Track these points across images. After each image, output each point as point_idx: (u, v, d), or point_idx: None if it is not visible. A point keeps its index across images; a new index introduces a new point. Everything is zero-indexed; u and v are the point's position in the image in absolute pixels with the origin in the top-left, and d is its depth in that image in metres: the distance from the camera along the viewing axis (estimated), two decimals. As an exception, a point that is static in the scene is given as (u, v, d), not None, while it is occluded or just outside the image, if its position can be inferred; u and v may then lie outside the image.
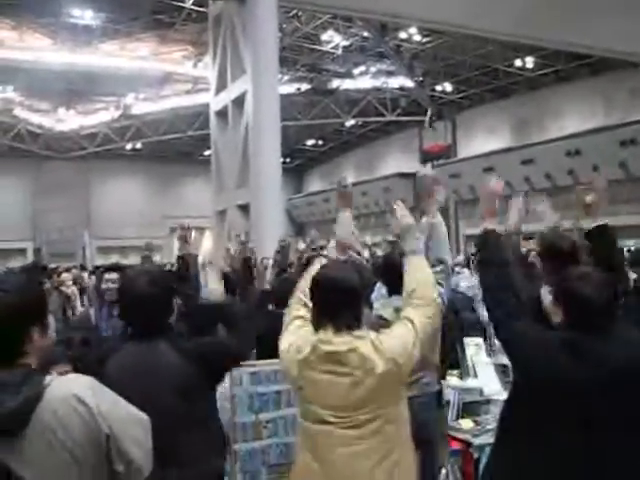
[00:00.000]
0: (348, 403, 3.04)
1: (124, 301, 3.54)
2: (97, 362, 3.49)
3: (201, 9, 28.64)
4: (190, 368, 3.40)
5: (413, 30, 31.28)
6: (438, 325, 3.39)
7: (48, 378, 2.25)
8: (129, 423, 2.40)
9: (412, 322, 3.12)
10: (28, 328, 2.29)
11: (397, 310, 4.39)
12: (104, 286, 6.59)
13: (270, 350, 4.33)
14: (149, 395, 3.13)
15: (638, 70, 29.65)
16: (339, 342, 3.07)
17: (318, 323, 3.15)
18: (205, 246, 4.99)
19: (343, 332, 3.09)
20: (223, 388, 4.16)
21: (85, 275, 13.30)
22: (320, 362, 3.10)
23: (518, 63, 33.70)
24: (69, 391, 2.22)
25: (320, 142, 50.69)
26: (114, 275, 6.58)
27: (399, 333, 3.11)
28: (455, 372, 5.51)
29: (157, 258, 45.33)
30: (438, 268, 4.39)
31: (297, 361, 3.16)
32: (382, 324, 3.56)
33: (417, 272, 3.34)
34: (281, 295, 5.39)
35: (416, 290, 3.23)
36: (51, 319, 2.43)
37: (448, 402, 5.06)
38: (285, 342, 3.36)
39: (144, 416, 2.51)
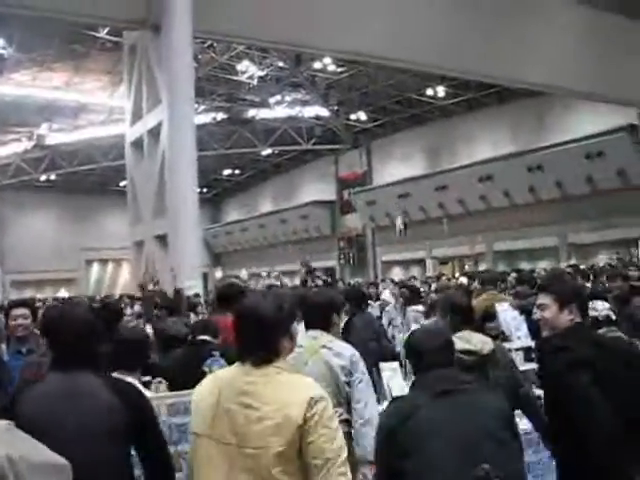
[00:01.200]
0: (248, 438, 2.99)
1: (53, 330, 3.48)
2: (10, 400, 3.32)
3: (116, 39, 28.49)
4: (123, 409, 3.31)
5: (327, 60, 31.66)
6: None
7: None
8: (44, 472, 2.32)
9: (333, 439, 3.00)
10: None
11: (314, 338, 4.53)
12: (13, 322, 6.31)
13: (188, 381, 4.39)
14: (74, 435, 3.09)
15: (544, 98, 30.56)
16: (257, 375, 3.06)
17: (239, 354, 3.18)
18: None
19: (261, 364, 3.07)
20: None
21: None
22: (233, 395, 3.07)
23: (430, 92, 34.39)
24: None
25: (237, 171, 50.71)
26: (23, 310, 6.42)
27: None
28: None
29: (72, 291, 44.75)
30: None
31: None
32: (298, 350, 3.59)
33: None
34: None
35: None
36: None
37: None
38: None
39: (64, 463, 2.43)
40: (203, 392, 3.24)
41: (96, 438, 3.18)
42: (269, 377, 3.05)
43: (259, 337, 3.10)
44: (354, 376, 4.48)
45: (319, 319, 4.57)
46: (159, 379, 4.61)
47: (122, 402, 3.29)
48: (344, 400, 4.48)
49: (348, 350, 4.59)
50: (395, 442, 3.33)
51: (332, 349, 4.50)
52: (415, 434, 3.29)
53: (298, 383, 3.10)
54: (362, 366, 4.60)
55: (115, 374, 4.50)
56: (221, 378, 3.21)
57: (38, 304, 20.10)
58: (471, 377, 3.58)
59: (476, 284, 11.46)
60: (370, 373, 5.51)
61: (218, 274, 17.77)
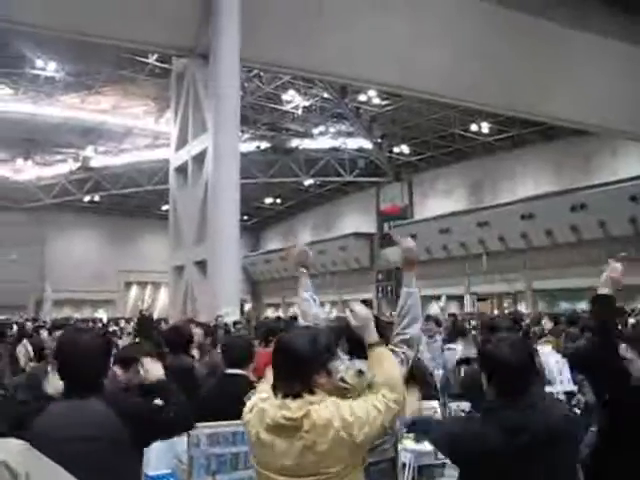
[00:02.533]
0: (300, 468, 3.03)
1: (60, 358, 3.47)
2: (16, 422, 3.32)
3: (164, 65, 28.88)
4: (125, 426, 3.32)
5: (372, 93, 31.79)
6: (402, 407, 3.36)
7: None
8: None
9: (379, 410, 3.13)
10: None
11: (360, 372, 4.46)
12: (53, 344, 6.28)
13: (224, 412, 4.37)
14: (81, 456, 3.08)
15: (589, 138, 30.37)
16: (294, 407, 3.06)
17: (274, 387, 3.21)
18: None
19: (295, 398, 3.08)
20: (180, 448, 4.20)
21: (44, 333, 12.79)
22: (272, 426, 3.09)
23: (474, 128, 34.34)
24: None
25: (278, 201, 50.88)
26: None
27: (364, 410, 3.13)
28: (411, 435, 5.53)
29: (110, 312, 45.11)
30: (408, 335, 4.40)
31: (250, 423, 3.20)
32: (344, 387, 3.54)
33: (383, 363, 3.34)
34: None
35: (384, 381, 3.24)
36: None
37: (404, 465, 5.08)
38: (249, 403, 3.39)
39: None
40: (249, 425, 3.25)
41: (103, 460, 3.21)
42: (304, 410, 3.04)
43: (293, 371, 3.13)
44: None
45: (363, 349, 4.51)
46: None
47: (121, 415, 3.30)
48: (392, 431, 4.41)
49: None
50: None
51: None
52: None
53: (335, 407, 3.09)
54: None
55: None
56: (261, 410, 3.20)
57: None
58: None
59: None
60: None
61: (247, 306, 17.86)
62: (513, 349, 3.31)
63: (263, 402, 3.22)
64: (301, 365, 3.14)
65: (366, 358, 3.59)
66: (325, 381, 3.20)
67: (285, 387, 3.12)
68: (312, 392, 3.09)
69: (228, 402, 4.39)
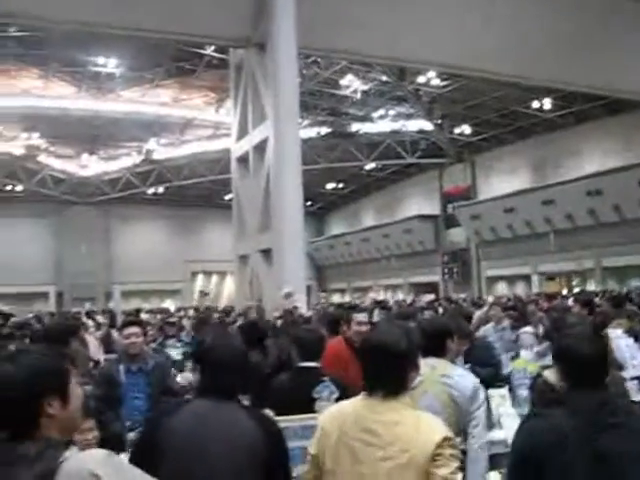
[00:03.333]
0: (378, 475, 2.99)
1: (207, 359, 3.46)
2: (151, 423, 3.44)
3: (222, 56, 29.05)
4: (269, 443, 3.28)
5: (431, 74, 31.47)
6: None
7: (66, 453, 2.16)
8: None
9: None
10: (40, 402, 2.24)
11: (433, 368, 4.43)
12: (126, 341, 6.52)
13: (298, 405, 4.38)
14: (219, 462, 3.14)
15: (657, 110, 29.73)
16: (383, 411, 3.05)
17: (368, 387, 3.17)
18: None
19: (390, 399, 3.07)
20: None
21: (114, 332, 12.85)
22: (356, 431, 3.06)
23: (536, 105, 33.79)
24: (84, 466, 2.11)
25: (340, 185, 50.87)
26: (135, 329, 6.54)
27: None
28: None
29: (177, 302, 45.72)
30: None
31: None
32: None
33: None
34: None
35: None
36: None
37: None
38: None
39: None
40: (327, 428, 3.22)
41: (239, 468, 3.20)
42: (395, 414, 3.04)
43: (391, 371, 3.11)
44: (475, 405, 4.39)
45: (434, 346, 4.50)
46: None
47: (266, 436, 3.27)
48: (462, 429, 4.39)
49: (469, 379, 4.49)
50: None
51: (452, 378, 4.41)
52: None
53: (424, 423, 3.06)
54: (482, 394, 4.51)
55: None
56: (345, 413, 3.19)
57: (145, 315, 20.71)
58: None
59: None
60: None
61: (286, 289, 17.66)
62: (589, 343, 3.19)
63: (347, 406, 3.22)
64: (401, 364, 3.14)
65: (436, 355, 3.58)
66: (416, 376, 3.22)
67: (383, 386, 3.10)
68: (406, 390, 3.10)
69: (302, 396, 4.41)
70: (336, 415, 3.23)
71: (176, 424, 3.21)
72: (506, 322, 10.67)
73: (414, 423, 3.03)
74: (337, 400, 4.10)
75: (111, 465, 2.19)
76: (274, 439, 3.33)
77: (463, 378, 4.47)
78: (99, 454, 2.24)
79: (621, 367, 6.37)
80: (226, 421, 3.26)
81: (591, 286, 31.93)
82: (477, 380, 4.54)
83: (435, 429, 3.04)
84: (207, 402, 3.29)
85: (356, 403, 3.17)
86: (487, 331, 10.66)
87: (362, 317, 6.28)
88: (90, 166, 43.43)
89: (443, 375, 4.40)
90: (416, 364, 3.22)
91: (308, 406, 4.28)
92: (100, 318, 18.75)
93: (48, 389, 2.28)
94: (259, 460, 3.20)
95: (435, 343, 4.50)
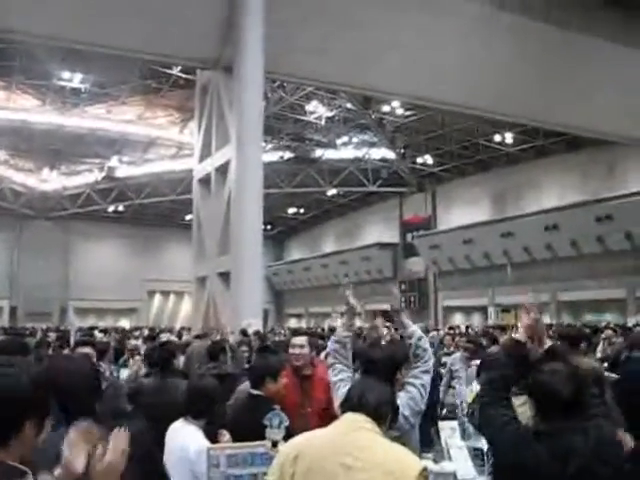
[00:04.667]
0: None
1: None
2: None
3: (188, 76, 29.07)
4: None
5: (396, 104, 31.77)
6: None
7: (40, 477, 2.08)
8: None
9: None
10: (19, 421, 2.11)
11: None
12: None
13: (247, 433, 4.37)
14: None
15: (613, 147, 30.18)
16: (360, 437, 3.05)
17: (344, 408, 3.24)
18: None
19: (367, 424, 3.08)
20: (200, 469, 4.22)
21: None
22: (339, 454, 3.04)
23: (498, 138, 34.26)
24: None
25: (302, 210, 50.96)
26: (87, 349, 6.46)
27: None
28: (430, 455, 5.51)
29: (133, 321, 45.30)
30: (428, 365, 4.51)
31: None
32: None
33: None
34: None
35: None
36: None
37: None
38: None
39: None
40: (293, 454, 3.16)
41: None
42: (372, 441, 3.04)
43: (371, 396, 3.18)
44: None
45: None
46: (224, 431, 4.62)
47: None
48: None
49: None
50: None
51: None
52: None
53: (402, 452, 3.08)
54: None
55: (181, 420, 4.56)
56: (318, 439, 3.18)
57: (99, 334, 20.48)
58: None
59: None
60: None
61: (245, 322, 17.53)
62: (561, 379, 3.30)
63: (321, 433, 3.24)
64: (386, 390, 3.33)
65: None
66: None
67: (362, 411, 3.14)
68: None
69: (255, 422, 4.40)
70: (307, 442, 3.20)
71: None
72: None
73: (392, 450, 3.05)
74: (286, 429, 4.09)
75: None
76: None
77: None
78: None
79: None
80: None
81: (546, 319, 32.21)
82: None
83: (413, 457, 3.09)
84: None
85: (331, 430, 3.16)
86: (455, 360, 10.75)
87: (299, 340, 6.27)
88: (51, 181, 43.04)
89: None
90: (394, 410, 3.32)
91: (259, 434, 4.27)
92: (53, 336, 18.48)
93: (30, 409, 2.18)
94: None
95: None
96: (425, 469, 3.01)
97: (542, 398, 3.34)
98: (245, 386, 5.68)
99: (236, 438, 4.46)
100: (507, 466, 3.40)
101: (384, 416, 3.17)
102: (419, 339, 4.61)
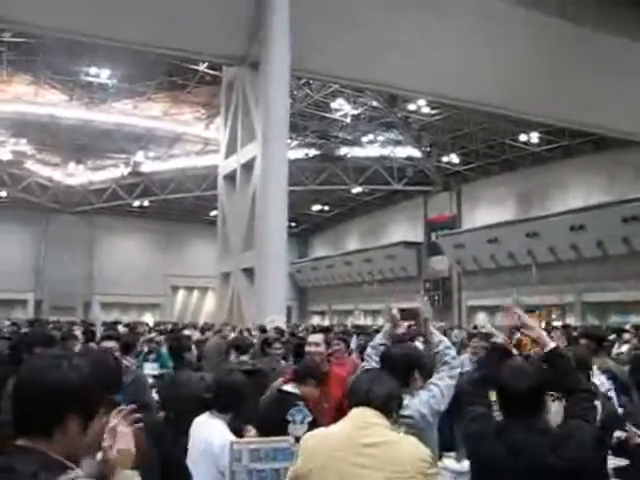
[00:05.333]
0: None
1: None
2: None
3: (215, 73, 29.16)
4: None
5: (422, 102, 31.68)
6: None
7: (61, 477, 2.01)
8: None
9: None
10: (63, 414, 2.09)
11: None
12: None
13: (273, 428, 4.40)
14: None
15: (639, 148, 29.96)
16: (371, 433, 3.09)
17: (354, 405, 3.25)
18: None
19: (376, 419, 3.13)
20: (223, 463, 4.23)
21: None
22: (350, 454, 3.08)
23: (523, 138, 34.07)
24: None
25: (326, 208, 50.92)
26: (111, 343, 6.54)
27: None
28: (451, 454, 5.52)
29: (157, 316, 45.52)
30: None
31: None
32: None
33: None
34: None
35: None
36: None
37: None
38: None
39: None
40: (310, 451, 3.22)
41: None
42: (384, 436, 3.09)
43: (378, 390, 3.22)
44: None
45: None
46: (249, 426, 4.66)
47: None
48: None
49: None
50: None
51: None
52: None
53: (411, 444, 3.14)
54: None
55: (207, 414, 4.59)
56: (332, 437, 3.20)
57: (123, 328, 20.58)
58: None
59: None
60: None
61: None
62: (522, 375, 3.37)
63: (334, 431, 3.27)
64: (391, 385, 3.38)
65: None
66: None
67: (370, 406, 3.20)
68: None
69: (279, 418, 4.43)
70: (322, 439, 3.24)
71: None
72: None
73: (402, 444, 3.09)
74: (310, 425, 4.11)
75: None
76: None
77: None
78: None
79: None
80: None
81: (570, 320, 32.01)
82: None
83: (421, 450, 3.12)
84: None
85: (342, 426, 3.19)
86: (463, 361, 10.70)
87: (315, 338, 6.30)
88: (77, 175, 43.37)
89: None
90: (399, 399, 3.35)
91: (283, 429, 4.29)
92: (78, 329, 18.59)
93: (73, 404, 2.14)
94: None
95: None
96: (432, 457, 3.11)
97: (501, 393, 3.44)
98: (279, 383, 5.72)
99: (263, 433, 4.49)
100: (471, 459, 3.48)
101: (392, 409, 3.21)
102: (447, 348, 4.66)
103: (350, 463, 3.03)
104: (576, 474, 3.18)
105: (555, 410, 3.64)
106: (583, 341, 8.68)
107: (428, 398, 4.35)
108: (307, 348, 6.10)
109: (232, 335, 13.38)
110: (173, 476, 3.63)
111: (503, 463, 3.22)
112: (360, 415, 3.13)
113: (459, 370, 4.75)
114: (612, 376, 7.16)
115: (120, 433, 2.37)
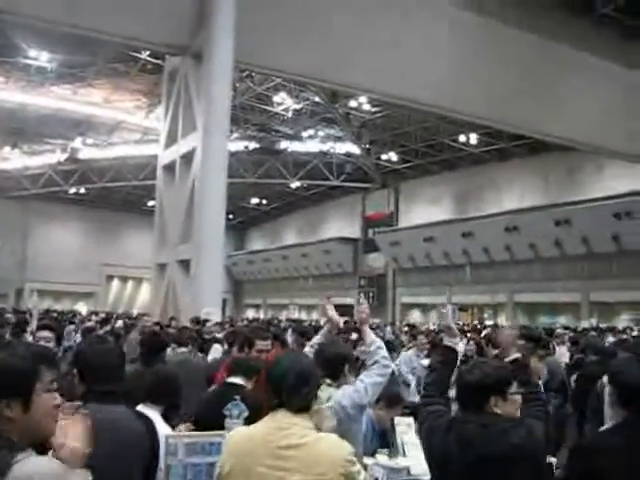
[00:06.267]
0: None
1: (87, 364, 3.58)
2: None
3: (157, 61, 28.88)
4: (150, 439, 3.55)
5: (363, 99, 31.85)
6: None
7: (19, 455, 2.13)
8: None
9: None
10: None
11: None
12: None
13: (210, 422, 4.41)
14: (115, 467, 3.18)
15: (575, 153, 30.55)
16: (290, 434, 3.08)
17: (272, 408, 3.21)
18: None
19: (296, 419, 3.12)
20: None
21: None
22: (266, 456, 3.08)
23: (462, 139, 34.44)
24: (28, 473, 2.10)
25: (264, 201, 50.89)
26: (46, 334, 6.47)
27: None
28: (385, 450, 5.58)
29: (90, 305, 44.97)
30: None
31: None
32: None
33: None
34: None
35: None
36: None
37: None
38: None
39: None
40: (233, 450, 3.24)
41: (127, 464, 3.38)
42: (303, 437, 3.08)
43: (299, 391, 3.19)
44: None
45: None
46: (187, 424, 4.68)
47: (148, 431, 3.54)
48: None
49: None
50: None
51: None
52: None
53: (330, 444, 3.13)
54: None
55: (141, 405, 4.59)
56: (253, 436, 3.20)
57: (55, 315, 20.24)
58: None
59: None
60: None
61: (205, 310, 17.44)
62: (476, 369, 3.49)
63: (255, 430, 3.27)
64: (310, 383, 3.30)
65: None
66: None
67: (291, 407, 3.19)
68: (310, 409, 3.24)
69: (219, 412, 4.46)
70: (243, 439, 3.23)
71: None
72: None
73: (321, 445, 3.08)
74: (246, 420, 4.13)
75: (60, 476, 2.19)
76: (154, 435, 3.65)
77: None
78: (51, 464, 2.23)
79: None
80: (110, 421, 3.35)
81: (502, 320, 32.55)
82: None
83: (342, 449, 3.12)
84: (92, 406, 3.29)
85: (263, 426, 3.19)
86: (410, 357, 10.90)
87: (264, 345, 6.38)
88: (11, 159, 42.51)
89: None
90: (318, 386, 3.39)
91: (220, 424, 4.31)
92: (11, 317, 18.21)
93: (5, 390, 2.25)
94: (143, 455, 3.47)
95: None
96: (351, 454, 3.10)
97: (457, 388, 3.56)
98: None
99: (200, 427, 4.51)
100: (425, 455, 3.58)
101: (311, 403, 3.22)
102: (378, 348, 4.83)
103: (267, 465, 3.05)
104: (528, 461, 3.26)
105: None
106: (521, 342, 8.94)
107: (351, 392, 4.58)
108: (256, 354, 6.19)
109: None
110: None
111: (454, 455, 3.29)
112: (281, 416, 3.14)
113: (390, 369, 4.95)
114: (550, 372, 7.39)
115: (67, 428, 2.39)
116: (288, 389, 3.18)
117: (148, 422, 3.66)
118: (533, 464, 3.30)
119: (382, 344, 4.92)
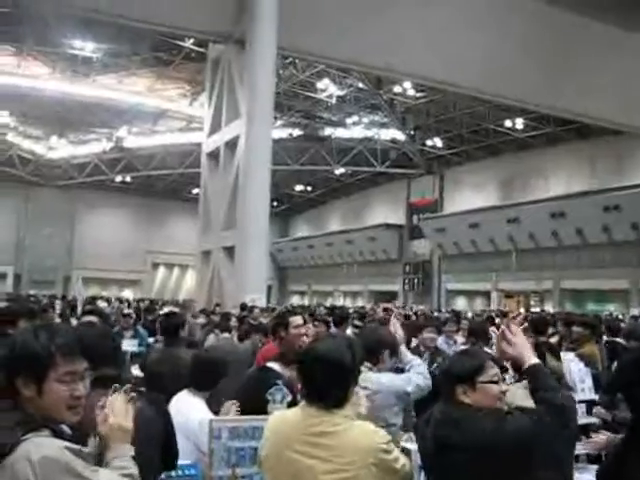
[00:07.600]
0: None
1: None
2: None
3: (200, 49, 28.96)
4: (164, 421, 3.49)
5: (407, 85, 31.65)
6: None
7: (30, 434, 2.18)
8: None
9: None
10: (12, 379, 2.30)
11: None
12: None
13: (250, 406, 4.40)
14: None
15: (624, 137, 30.06)
16: (323, 424, 2.99)
17: (305, 399, 3.10)
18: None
19: (330, 411, 2.99)
20: (202, 440, 4.23)
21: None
22: (298, 442, 3.01)
23: (508, 124, 34.08)
24: (27, 453, 2.14)
25: (309, 188, 50.92)
26: (92, 318, 6.50)
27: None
28: (410, 433, 5.50)
29: (137, 292, 45.42)
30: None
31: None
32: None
33: None
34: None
35: None
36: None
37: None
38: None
39: None
40: (270, 435, 3.21)
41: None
42: (335, 426, 2.99)
43: (333, 384, 3.04)
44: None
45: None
46: (233, 401, 4.64)
47: (157, 413, 3.45)
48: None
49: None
50: None
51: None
52: None
53: (362, 433, 3.02)
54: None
55: (185, 391, 4.59)
56: (287, 422, 3.15)
57: (103, 303, 20.49)
58: None
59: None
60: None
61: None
62: (446, 361, 3.63)
63: (289, 416, 3.25)
64: (344, 376, 3.18)
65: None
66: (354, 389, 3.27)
67: (325, 399, 3.08)
68: (347, 402, 3.10)
69: (260, 395, 4.45)
70: (279, 423, 3.20)
71: None
72: (460, 338, 10.67)
73: (353, 433, 2.99)
74: (289, 404, 4.12)
75: (60, 460, 2.19)
76: (167, 416, 3.62)
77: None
78: (55, 447, 2.22)
79: (570, 390, 6.44)
80: None
81: (549, 307, 32.21)
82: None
83: (375, 437, 3.02)
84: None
85: (297, 414, 3.12)
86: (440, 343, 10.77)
87: (299, 320, 6.32)
88: (58, 149, 43.03)
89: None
90: (357, 377, 3.18)
91: (262, 408, 4.29)
92: (59, 304, 18.46)
93: (22, 370, 2.32)
94: (156, 436, 3.36)
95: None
96: (387, 443, 3.00)
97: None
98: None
99: (243, 410, 4.49)
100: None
101: (341, 394, 3.05)
102: (418, 365, 4.98)
103: (298, 451, 2.99)
104: (482, 454, 3.12)
105: (521, 393, 3.59)
106: (578, 329, 8.82)
107: (394, 376, 4.75)
108: (294, 331, 6.12)
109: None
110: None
111: (428, 450, 3.25)
112: (315, 406, 3.03)
113: (427, 385, 4.88)
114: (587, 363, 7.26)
115: (118, 409, 2.49)
116: (318, 386, 3.06)
117: (158, 404, 3.58)
118: (493, 458, 3.06)
119: (419, 361, 5.07)
